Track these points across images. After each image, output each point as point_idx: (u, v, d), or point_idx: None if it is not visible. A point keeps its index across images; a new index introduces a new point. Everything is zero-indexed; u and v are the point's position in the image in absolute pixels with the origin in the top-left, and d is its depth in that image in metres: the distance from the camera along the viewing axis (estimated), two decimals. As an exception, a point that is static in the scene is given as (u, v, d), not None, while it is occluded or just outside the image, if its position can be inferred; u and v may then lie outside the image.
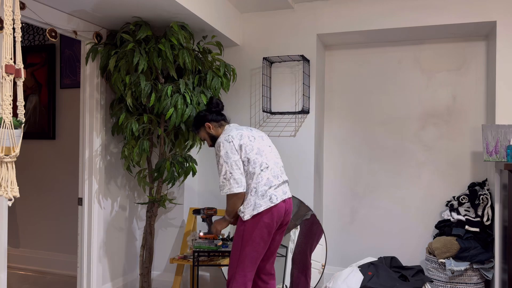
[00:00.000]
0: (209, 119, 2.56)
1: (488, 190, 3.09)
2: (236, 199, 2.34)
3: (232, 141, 2.36)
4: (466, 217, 3.04)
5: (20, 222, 4.18)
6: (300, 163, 3.35)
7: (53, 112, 4.02)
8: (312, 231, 3.20)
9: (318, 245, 3.19)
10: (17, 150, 1.62)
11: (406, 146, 3.48)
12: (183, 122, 2.86)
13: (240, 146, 2.35)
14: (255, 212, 2.29)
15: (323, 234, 3.18)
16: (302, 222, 3.22)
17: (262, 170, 2.34)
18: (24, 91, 3.96)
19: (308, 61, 3.33)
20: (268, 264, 2.51)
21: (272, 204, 2.31)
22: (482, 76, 3.30)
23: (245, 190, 2.34)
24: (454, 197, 3.24)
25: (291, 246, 3.21)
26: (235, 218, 2.45)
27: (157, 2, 2.55)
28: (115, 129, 3.10)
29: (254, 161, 2.34)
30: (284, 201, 2.38)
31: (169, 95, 2.77)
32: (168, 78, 3.00)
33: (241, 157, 2.35)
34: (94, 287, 3.04)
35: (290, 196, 2.48)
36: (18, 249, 4.17)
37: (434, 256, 3.07)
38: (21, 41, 4.11)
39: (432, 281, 3.03)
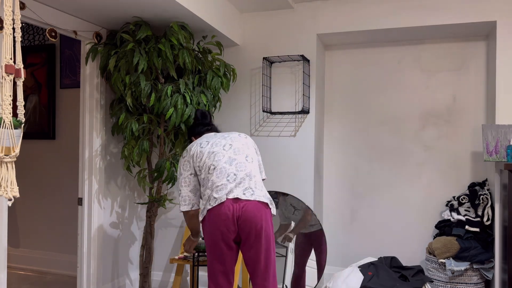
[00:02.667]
0: (194, 132, 2.50)
1: (488, 190, 3.09)
2: (187, 217, 2.30)
3: (185, 156, 2.28)
4: (466, 217, 3.04)
5: (20, 222, 4.18)
6: (300, 163, 3.35)
7: (53, 112, 4.02)
8: (321, 247, 3.17)
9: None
10: (17, 150, 1.62)
11: (406, 146, 3.48)
12: (183, 122, 2.86)
13: (192, 156, 2.24)
14: (200, 218, 2.18)
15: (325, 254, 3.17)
16: (309, 233, 3.21)
17: (209, 173, 2.17)
18: (24, 91, 3.96)
19: (308, 61, 3.33)
20: (256, 280, 2.14)
21: (209, 207, 2.09)
22: (482, 76, 3.30)
23: (193, 208, 2.25)
24: (454, 197, 3.24)
25: (291, 246, 3.21)
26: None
27: (157, 2, 2.55)
28: (115, 129, 3.10)
29: (202, 166, 2.20)
30: (235, 201, 2.07)
31: (169, 95, 2.77)
32: (168, 78, 3.00)
33: (194, 168, 2.24)
34: (94, 287, 3.04)
35: (252, 198, 2.08)
36: (18, 249, 4.17)
37: (434, 256, 3.07)
38: (21, 41, 4.11)
39: (432, 281, 3.03)
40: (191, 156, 2.25)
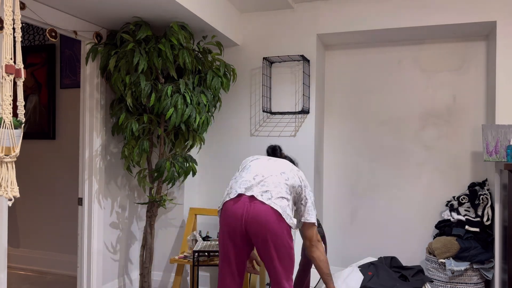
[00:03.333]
0: None
1: (488, 190, 3.09)
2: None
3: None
4: (466, 217, 3.04)
5: (20, 222, 4.18)
6: (300, 163, 3.35)
7: (53, 112, 4.02)
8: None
9: None
10: (17, 150, 1.62)
11: (406, 146, 3.48)
12: (183, 122, 2.86)
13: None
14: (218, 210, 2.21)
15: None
16: None
17: (242, 170, 2.24)
18: (24, 91, 3.96)
19: (308, 61, 3.33)
20: (272, 280, 2.13)
21: (228, 198, 2.10)
22: (482, 76, 3.30)
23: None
24: (454, 197, 3.24)
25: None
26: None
27: (157, 2, 2.55)
28: (115, 129, 3.10)
29: (243, 165, 2.31)
30: (250, 198, 2.05)
31: (169, 95, 2.77)
32: (168, 78, 3.00)
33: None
34: (94, 287, 3.04)
35: (267, 202, 2.05)
36: (18, 249, 4.17)
37: (434, 256, 3.07)
38: (21, 41, 4.11)
39: (432, 281, 3.03)
40: (241, 164, 2.35)
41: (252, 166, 2.22)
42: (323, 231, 3.16)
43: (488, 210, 2.99)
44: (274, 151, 2.47)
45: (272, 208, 2.04)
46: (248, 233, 2.05)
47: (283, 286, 2.09)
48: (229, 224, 2.06)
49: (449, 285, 2.96)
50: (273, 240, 2.03)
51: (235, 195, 2.09)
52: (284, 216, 2.07)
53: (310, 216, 2.24)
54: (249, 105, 3.50)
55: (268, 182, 2.11)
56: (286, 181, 2.16)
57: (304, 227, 2.26)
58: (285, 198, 2.11)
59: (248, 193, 2.07)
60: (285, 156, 2.52)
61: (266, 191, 2.08)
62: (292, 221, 2.10)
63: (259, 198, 2.05)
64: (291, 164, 2.30)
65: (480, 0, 2.98)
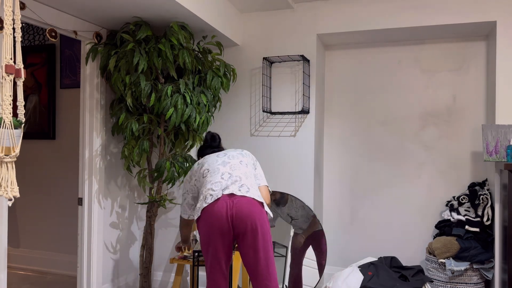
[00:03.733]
0: (202, 154, 2.57)
1: (488, 190, 3.09)
2: (182, 224, 2.58)
3: (190, 172, 2.44)
4: (466, 217, 3.04)
5: (20, 222, 4.18)
6: (300, 163, 3.35)
7: (53, 112, 4.02)
8: (321, 248, 3.18)
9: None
10: (17, 150, 1.62)
11: (406, 146, 3.48)
12: (183, 122, 2.86)
13: (192, 175, 2.37)
14: (195, 217, 2.20)
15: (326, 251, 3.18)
16: (310, 234, 3.21)
17: (204, 177, 2.26)
18: (24, 91, 3.96)
19: (308, 61, 3.33)
20: (258, 279, 2.10)
21: (205, 205, 2.10)
22: (482, 76, 3.30)
23: (189, 217, 2.46)
24: (454, 197, 3.24)
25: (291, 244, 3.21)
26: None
27: (157, 2, 2.55)
28: (115, 129, 3.10)
29: (199, 177, 2.31)
30: (230, 196, 2.08)
31: (169, 95, 2.77)
32: (168, 78, 3.00)
33: (194, 185, 2.35)
34: (94, 287, 3.04)
35: (247, 195, 2.09)
36: (18, 249, 4.17)
37: (434, 256, 3.07)
38: (21, 41, 4.11)
39: (432, 281, 3.03)
40: (193, 174, 2.38)
41: (211, 168, 2.26)
42: (321, 227, 3.16)
43: (488, 210, 2.99)
44: (213, 139, 2.55)
45: (253, 199, 2.10)
46: (234, 229, 2.08)
47: (274, 275, 2.12)
48: (214, 225, 2.07)
49: (449, 285, 2.96)
50: (261, 228, 2.08)
51: (214, 199, 2.09)
52: (265, 206, 2.17)
53: (264, 180, 2.38)
54: (249, 105, 3.50)
55: (238, 176, 2.18)
56: (247, 166, 2.28)
57: (262, 191, 2.35)
58: (255, 185, 2.23)
59: (226, 192, 2.10)
60: (221, 146, 2.61)
61: (241, 185, 2.13)
62: (269, 211, 2.21)
63: (238, 193, 2.09)
64: (233, 149, 2.42)
65: (480, 0, 2.98)
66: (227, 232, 2.07)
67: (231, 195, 2.09)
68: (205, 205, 2.10)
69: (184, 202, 2.42)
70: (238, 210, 2.05)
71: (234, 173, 2.19)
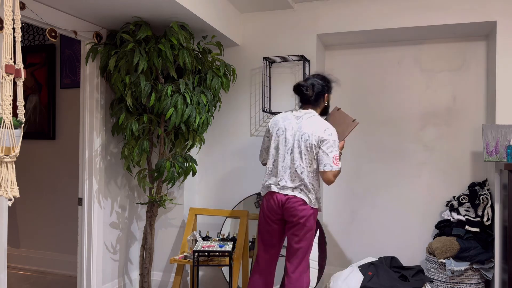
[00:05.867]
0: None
1: (488, 190, 3.09)
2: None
3: None
4: (466, 217, 3.04)
5: (20, 222, 4.18)
6: (300, 163, 3.35)
7: (53, 112, 4.02)
8: (321, 247, 3.19)
9: (311, 269, 3.17)
10: (17, 150, 1.62)
11: (406, 146, 3.48)
12: (183, 122, 2.86)
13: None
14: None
15: (318, 230, 3.18)
16: None
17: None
18: (24, 91, 3.93)
19: (308, 61, 3.33)
20: (288, 263, 2.46)
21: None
22: (482, 76, 3.30)
23: None
24: (454, 197, 3.24)
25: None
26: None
27: (157, 2, 2.55)
28: (115, 129, 3.10)
29: None
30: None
31: (169, 95, 2.77)
32: (168, 78, 3.00)
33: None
34: (94, 287, 3.04)
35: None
36: (18, 249, 4.17)
37: (434, 256, 3.07)
38: (21, 41, 4.10)
39: (432, 281, 3.03)
40: None
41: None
42: (323, 229, 3.16)
43: (488, 210, 2.99)
44: (298, 90, 2.56)
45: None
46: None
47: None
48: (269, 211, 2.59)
49: (449, 285, 2.96)
50: None
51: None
52: None
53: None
54: (249, 105, 3.50)
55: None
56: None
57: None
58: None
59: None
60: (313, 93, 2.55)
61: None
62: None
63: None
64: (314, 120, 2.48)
65: (480, 0, 2.98)
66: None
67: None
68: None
69: None
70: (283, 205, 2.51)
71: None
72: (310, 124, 2.44)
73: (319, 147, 2.40)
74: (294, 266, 2.42)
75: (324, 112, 2.65)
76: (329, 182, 2.43)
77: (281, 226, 2.50)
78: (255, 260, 2.61)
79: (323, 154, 2.39)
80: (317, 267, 3.16)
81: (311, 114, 2.49)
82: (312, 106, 2.55)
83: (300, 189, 2.41)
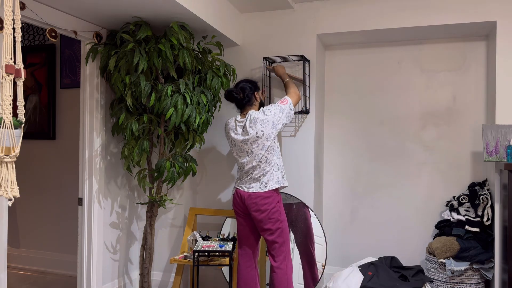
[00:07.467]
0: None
1: (488, 190, 3.09)
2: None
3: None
4: (466, 217, 3.04)
5: (20, 222, 4.18)
6: (300, 163, 3.35)
7: (53, 112, 4.02)
8: (300, 219, 3.22)
9: (317, 245, 3.19)
10: (17, 150, 1.62)
11: (406, 146, 3.48)
12: (183, 122, 2.86)
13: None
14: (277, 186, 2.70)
15: (309, 212, 3.20)
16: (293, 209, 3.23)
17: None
18: (24, 91, 3.94)
19: (308, 61, 3.33)
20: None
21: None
22: (482, 76, 3.30)
23: None
24: (454, 197, 3.24)
25: (292, 236, 3.21)
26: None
27: (157, 2, 2.55)
28: (115, 129, 3.10)
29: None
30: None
31: (169, 95, 2.77)
32: (168, 78, 3.00)
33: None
34: (94, 287, 3.04)
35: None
36: (18, 249, 4.17)
37: (434, 256, 3.07)
38: (21, 41, 4.10)
39: (432, 281, 3.03)
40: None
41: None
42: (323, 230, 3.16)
43: (488, 210, 2.99)
44: (230, 96, 2.79)
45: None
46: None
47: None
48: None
49: (449, 285, 2.96)
50: None
51: None
52: None
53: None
54: (249, 105, 3.49)
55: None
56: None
57: None
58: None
59: None
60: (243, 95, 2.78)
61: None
62: None
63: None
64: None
65: (480, 0, 2.98)
66: None
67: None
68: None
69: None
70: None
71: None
72: (254, 124, 2.66)
73: (275, 128, 2.66)
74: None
75: (261, 107, 2.84)
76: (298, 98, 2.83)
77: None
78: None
79: (280, 116, 2.69)
80: (319, 268, 3.16)
81: (252, 116, 2.69)
82: (249, 107, 2.78)
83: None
